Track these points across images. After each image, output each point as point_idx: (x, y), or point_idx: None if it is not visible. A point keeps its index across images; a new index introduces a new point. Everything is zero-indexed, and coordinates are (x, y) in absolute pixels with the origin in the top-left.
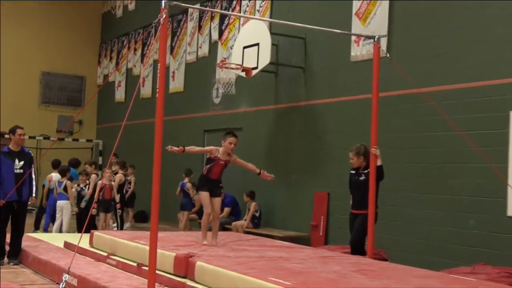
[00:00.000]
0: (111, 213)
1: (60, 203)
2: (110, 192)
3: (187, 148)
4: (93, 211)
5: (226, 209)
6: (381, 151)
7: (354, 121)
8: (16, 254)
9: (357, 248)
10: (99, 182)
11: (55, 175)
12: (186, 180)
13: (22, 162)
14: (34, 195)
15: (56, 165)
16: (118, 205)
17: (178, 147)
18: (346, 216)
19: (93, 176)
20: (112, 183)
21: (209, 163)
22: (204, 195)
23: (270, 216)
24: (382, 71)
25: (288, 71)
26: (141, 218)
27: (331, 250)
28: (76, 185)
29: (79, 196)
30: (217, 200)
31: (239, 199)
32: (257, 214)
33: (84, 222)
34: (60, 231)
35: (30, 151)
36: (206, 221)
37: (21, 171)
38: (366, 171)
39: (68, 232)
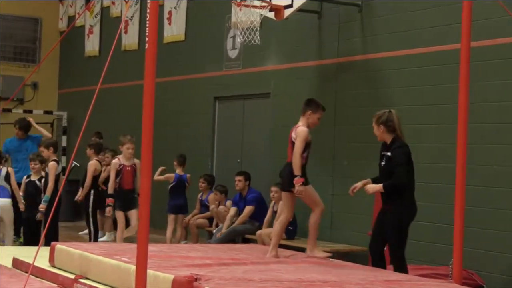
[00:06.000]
0: (135, 210)
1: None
2: (132, 178)
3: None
4: (38, 216)
5: (248, 208)
6: (474, 127)
7: (434, 83)
8: None
9: (395, 263)
10: (115, 161)
11: None
12: (180, 170)
13: None
14: None
15: None
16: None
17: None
18: (424, 223)
19: (52, 164)
20: (137, 161)
21: (306, 150)
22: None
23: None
24: (476, 12)
25: (338, 11)
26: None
27: None
28: (25, 177)
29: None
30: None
31: (266, 196)
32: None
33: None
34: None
35: None
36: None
37: None
38: (389, 153)
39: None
